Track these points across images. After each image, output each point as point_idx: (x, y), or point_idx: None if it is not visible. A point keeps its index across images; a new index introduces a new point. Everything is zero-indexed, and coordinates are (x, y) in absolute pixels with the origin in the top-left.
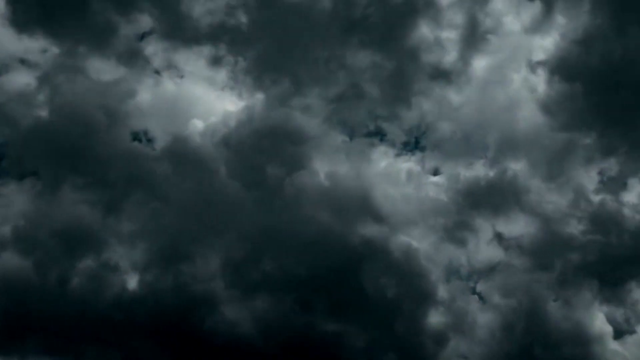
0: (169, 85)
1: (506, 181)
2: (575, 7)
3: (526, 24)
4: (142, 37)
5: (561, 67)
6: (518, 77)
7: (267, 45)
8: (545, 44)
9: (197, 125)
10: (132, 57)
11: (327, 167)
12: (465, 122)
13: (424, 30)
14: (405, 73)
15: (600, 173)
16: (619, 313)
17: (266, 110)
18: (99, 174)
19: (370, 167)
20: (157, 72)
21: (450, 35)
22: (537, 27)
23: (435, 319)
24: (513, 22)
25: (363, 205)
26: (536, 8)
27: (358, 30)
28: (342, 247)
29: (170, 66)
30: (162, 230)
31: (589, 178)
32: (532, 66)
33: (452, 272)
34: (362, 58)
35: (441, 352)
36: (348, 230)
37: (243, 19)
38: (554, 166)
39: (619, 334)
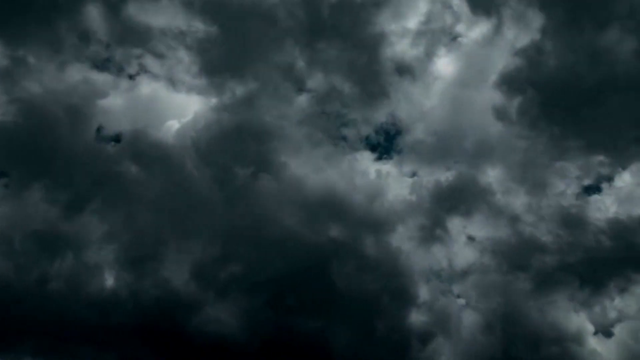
0: (140, 88)
1: (479, 184)
2: (524, 21)
3: (479, 39)
4: (114, 41)
5: (514, 77)
6: (478, 85)
7: (235, 47)
8: (499, 56)
9: (170, 127)
10: (105, 61)
11: (301, 168)
12: (437, 124)
13: (391, 28)
14: (379, 74)
15: (578, 177)
16: (598, 313)
17: (238, 111)
18: (72, 175)
19: (345, 168)
20: (130, 76)
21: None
22: (491, 41)
23: (415, 318)
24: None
25: (337, 207)
26: (490, 23)
27: (326, 29)
28: (317, 247)
29: (142, 70)
30: (136, 231)
31: (562, 181)
32: (487, 75)
33: (430, 273)
34: (333, 58)
35: (422, 351)
36: (322, 231)
37: (212, 21)
38: (525, 170)
39: (598, 334)
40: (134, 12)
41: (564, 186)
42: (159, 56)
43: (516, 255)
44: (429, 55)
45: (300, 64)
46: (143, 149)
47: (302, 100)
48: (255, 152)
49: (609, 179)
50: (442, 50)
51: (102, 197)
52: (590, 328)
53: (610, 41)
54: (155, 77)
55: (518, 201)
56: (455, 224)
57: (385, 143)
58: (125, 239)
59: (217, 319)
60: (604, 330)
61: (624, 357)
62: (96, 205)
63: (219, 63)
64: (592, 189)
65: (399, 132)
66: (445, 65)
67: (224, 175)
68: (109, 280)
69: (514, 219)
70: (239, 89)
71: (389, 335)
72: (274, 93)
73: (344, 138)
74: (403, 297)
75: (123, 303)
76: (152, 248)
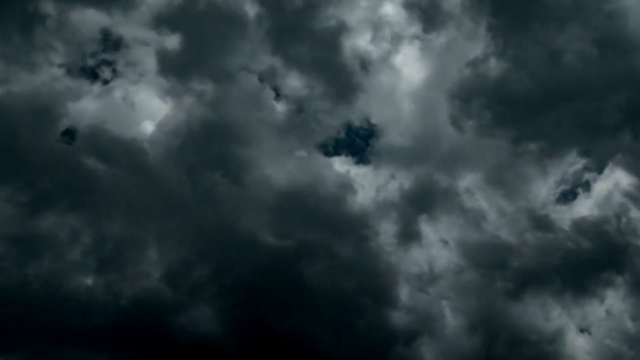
0: (113, 92)
1: (452, 188)
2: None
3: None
4: (86, 47)
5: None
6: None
7: (204, 50)
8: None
9: (141, 129)
10: (78, 67)
11: (273, 169)
12: (409, 128)
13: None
14: (349, 76)
15: (554, 180)
16: (578, 313)
17: (208, 113)
18: (41, 176)
19: (317, 170)
20: (105, 81)
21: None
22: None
23: (395, 319)
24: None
25: (311, 209)
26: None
27: (293, 31)
28: (290, 248)
29: (115, 75)
30: (108, 233)
31: (537, 183)
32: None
33: (408, 274)
34: (304, 60)
35: (404, 351)
36: (294, 232)
37: (179, 26)
38: (499, 174)
39: (578, 333)
40: (106, 19)
41: (540, 189)
42: (132, 61)
43: (494, 257)
44: (393, 56)
45: (271, 65)
46: (113, 151)
47: (273, 102)
48: (227, 155)
49: (586, 181)
50: (405, 55)
51: (72, 199)
52: (571, 327)
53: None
54: (128, 81)
55: (493, 205)
56: (430, 227)
57: (357, 145)
58: (98, 241)
59: (196, 320)
60: (585, 330)
61: (604, 356)
62: (67, 207)
63: (188, 66)
64: (569, 192)
65: (370, 135)
66: (410, 70)
67: (196, 177)
68: (88, 281)
69: (489, 222)
70: (209, 91)
71: (369, 335)
72: (245, 95)
73: (316, 140)
74: (382, 297)
75: (103, 304)
76: (124, 249)
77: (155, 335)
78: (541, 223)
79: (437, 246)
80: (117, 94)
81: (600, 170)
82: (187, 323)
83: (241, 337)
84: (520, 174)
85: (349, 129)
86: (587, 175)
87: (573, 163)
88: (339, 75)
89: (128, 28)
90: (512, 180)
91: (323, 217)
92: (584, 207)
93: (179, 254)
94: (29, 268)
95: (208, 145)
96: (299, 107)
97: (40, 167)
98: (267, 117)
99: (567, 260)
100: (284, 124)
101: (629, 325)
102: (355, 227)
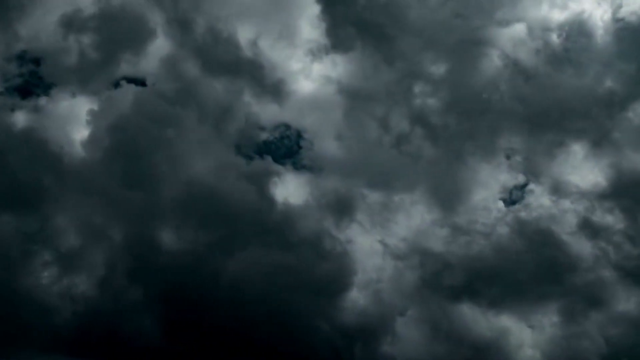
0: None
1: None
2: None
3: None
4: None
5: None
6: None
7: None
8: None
9: (72, 136)
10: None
11: (195, 173)
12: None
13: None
14: (269, 78)
15: (490, 187)
16: (521, 315)
17: (136, 119)
18: None
19: (241, 174)
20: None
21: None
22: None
23: (334, 319)
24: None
25: (232, 211)
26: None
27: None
28: (205, 251)
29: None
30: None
31: (475, 191)
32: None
33: (349, 279)
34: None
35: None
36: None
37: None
38: (438, 183)
39: (521, 335)
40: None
41: (479, 196)
42: (61, 73)
43: (432, 264)
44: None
45: (193, 67)
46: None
47: (193, 105)
48: (154, 161)
49: (523, 189)
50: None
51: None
52: (514, 329)
53: None
54: (57, 90)
55: (429, 213)
56: (360, 233)
57: (283, 150)
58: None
59: (137, 325)
60: (529, 329)
61: (548, 355)
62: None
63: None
64: (508, 199)
65: (297, 140)
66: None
67: (124, 183)
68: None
69: (432, 230)
70: (127, 95)
71: (305, 332)
72: (164, 98)
73: (243, 145)
74: (321, 296)
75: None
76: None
77: (105, 341)
78: (478, 230)
79: (371, 251)
80: (51, 105)
81: (537, 178)
82: (128, 329)
83: (184, 339)
84: (456, 183)
85: (278, 133)
86: (528, 187)
87: (510, 171)
88: (263, 81)
89: (46, 44)
90: (448, 190)
91: (248, 220)
92: (520, 215)
93: (115, 263)
94: None
95: (130, 153)
96: (224, 109)
97: None
98: (186, 120)
99: (509, 266)
100: (206, 128)
101: (570, 326)
102: (283, 230)
